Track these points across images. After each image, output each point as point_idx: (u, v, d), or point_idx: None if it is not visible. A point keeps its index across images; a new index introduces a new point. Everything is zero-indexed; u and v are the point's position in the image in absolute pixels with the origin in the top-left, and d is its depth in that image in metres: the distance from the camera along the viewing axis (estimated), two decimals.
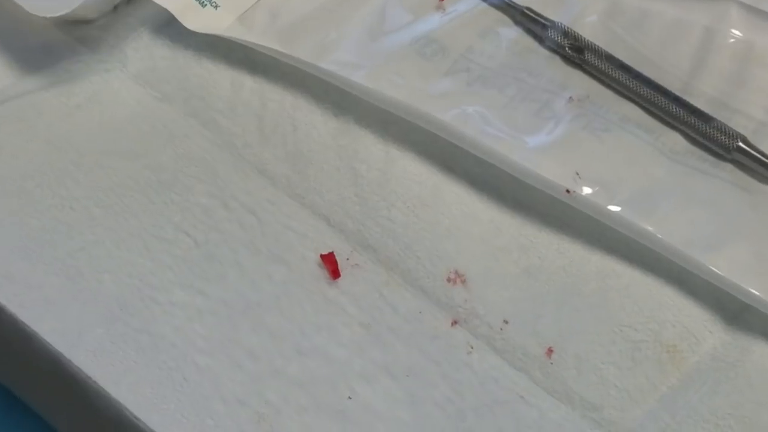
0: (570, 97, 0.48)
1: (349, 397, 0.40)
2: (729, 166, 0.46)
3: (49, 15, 0.46)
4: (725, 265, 0.42)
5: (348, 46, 0.49)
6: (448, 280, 0.43)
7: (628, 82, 0.48)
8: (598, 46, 0.49)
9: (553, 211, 0.45)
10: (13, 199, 0.43)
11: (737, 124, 0.46)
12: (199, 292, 0.42)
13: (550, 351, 0.42)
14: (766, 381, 0.41)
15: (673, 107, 0.47)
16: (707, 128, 0.46)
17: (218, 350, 0.40)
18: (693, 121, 0.46)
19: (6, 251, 0.41)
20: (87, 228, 0.43)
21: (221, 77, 0.49)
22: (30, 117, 0.46)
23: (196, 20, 0.49)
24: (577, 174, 0.44)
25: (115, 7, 0.51)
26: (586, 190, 0.44)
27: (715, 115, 0.47)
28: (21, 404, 0.44)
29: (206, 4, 0.49)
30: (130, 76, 0.49)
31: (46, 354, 0.39)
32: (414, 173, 0.46)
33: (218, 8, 0.50)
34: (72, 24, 0.49)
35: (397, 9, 0.51)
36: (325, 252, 0.44)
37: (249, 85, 0.49)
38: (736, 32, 0.49)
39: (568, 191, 0.43)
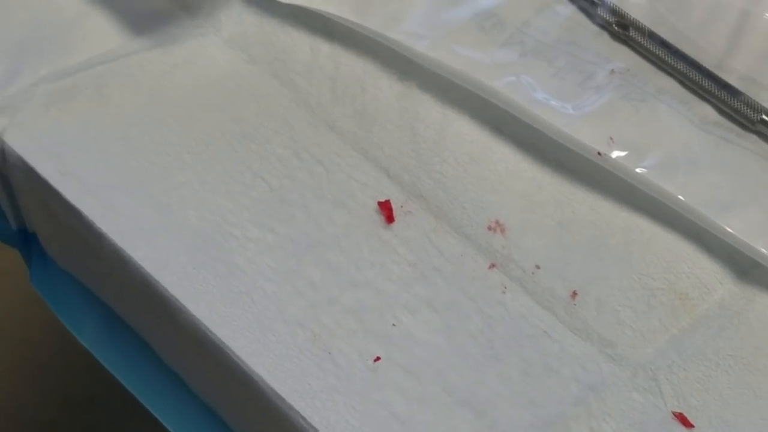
0: (612, 70, 0.53)
1: (394, 324, 0.46)
2: (753, 137, 0.50)
3: None
4: (739, 225, 0.47)
5: (415, 17, 0.54)
6: (489, 228, 0.49)
7: (666, 58, 0.53)
8: (642, 24, 0.54)
9: (589, 171, 0.50)
10: (119, 143, 0.50)
11: (764, 99, 0.51)
12: (270, 230, 0.48)
13: (574, 294, 0.47)
14: (765, 328, 0.45)
15: (706, 81, 0.51)
16: (735, 101, 0.51)
17: (283, 280, 0.47)
18: (723, 95, 0.51)
19: (110, 187, 0.48)
20: (179, 171, 0.50)
21: (302, 43, 0.55)
22: (135, 74, 0.53)
23: None
24: (611, 139, 0.49)
25: None
26: (617, 154, 0.49)
27: (744, 91, 0.51)
28: (121, 322, 0.52)
29: None
30: (222, 40, 0.55)
31: (139, 276, 0.46)
32: (466, 134, 0.52)
33: None
34: None
35: None
36: (382, 200, 0.50)
37: (325, 50, 0.55)
38: None
39: (599, 153, 0.48)
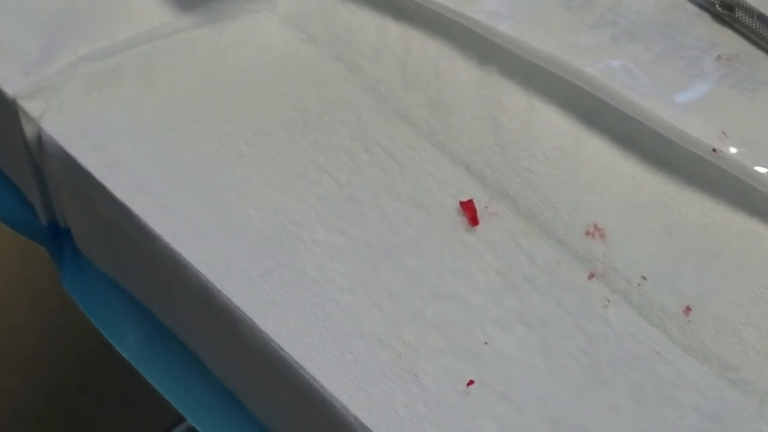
0: (719, 56, 0.47)
1: (486, 342, 0.40)
2: None
3: None
4: None
5: None
6: (587, 233, 0.44)
7: None
8: (749, 4, 0.48)
9: (695, 169, 0.45)
10: (168, 132, 0.45)
11: None
12: (341, 233, 0.43)
13: (688, 309, 0.42)
14: None
15: None
16: None
17: (358, 289, 0.41)
18: None
19: (161, 181, 0.43)
20: (236, 164, 0.44)
21: (366, 21, 0.49)
22: (184, 53, 0.47)
23: None
24: (724, 133, 0.44)
25: None
26: (733, 150, 0.43)
27: None
28: (168, 332, 0.46)
29: None
30: (278, 17, 0.50)
31: (197, 283, 0.40)
32: (555, 125, 0.46)
33: None
34: None
35: None
36: (464, 199, 0.44)
37: (394, 30, 0.49)
38: None
39: (714, 150, 0.43)
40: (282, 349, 0.39)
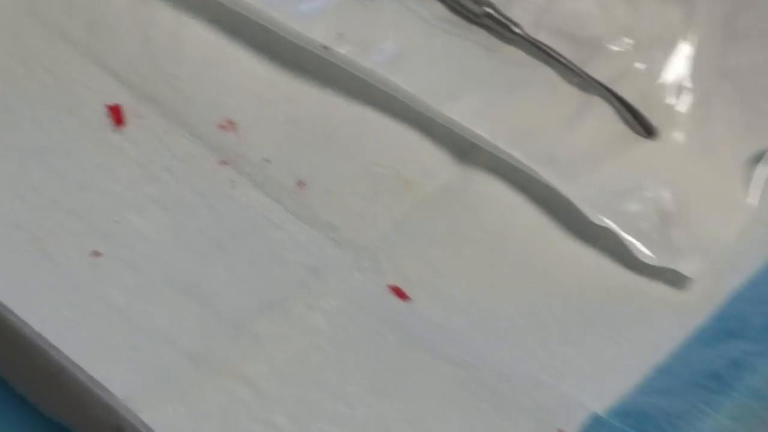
0: None
1: (117, 222, 0.45)
2: (481, 31, 0.51)
3: None
4: (460, 111, 0.48)
5: None
6: (221, 126, 0.49)
7: None
8: None
9: (321, 70, 0.50)
10: None
11: None
12: None
13: (301, 184, 0.47)
14: (481, 205, 0.47)
15: None
16: None
17: (2, 185, 0.45)
18: None
19: None
20: None
21: None
22: None
23: None
24: (341, 35, 0.49)
25: None
26: (347, 49, 0.49)
27: None
28: None
29: None
30: None
31: None
32: (202, 37, 0.51)
33: None
34: None
35: None
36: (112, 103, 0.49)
37: None
38: None
39: (325, 47, 0.49)
40: None
